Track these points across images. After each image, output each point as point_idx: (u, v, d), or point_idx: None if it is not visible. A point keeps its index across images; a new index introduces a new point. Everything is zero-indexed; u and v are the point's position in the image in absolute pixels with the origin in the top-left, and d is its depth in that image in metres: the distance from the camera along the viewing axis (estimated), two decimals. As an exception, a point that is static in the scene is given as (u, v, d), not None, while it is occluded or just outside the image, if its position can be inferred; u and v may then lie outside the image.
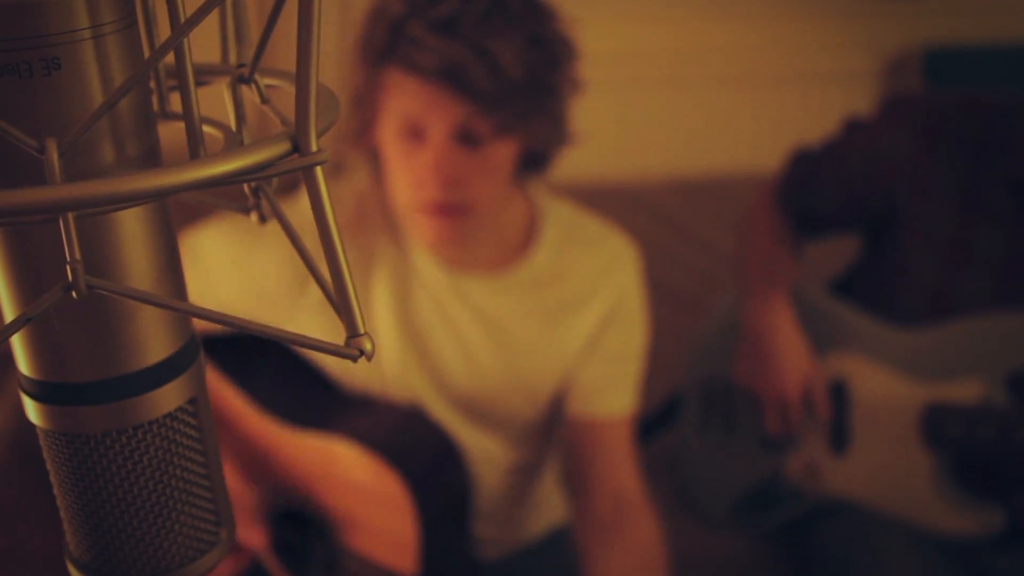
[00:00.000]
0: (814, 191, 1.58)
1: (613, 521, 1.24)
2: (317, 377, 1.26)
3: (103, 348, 0.35)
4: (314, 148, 0.31)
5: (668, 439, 1.81)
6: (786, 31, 2.96)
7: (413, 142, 1.08)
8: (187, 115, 0.32)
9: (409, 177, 1.09)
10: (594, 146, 2.96)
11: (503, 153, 1.12)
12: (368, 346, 0.32)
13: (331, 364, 1.26)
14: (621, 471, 1.27)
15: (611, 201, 2.84)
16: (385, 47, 1.06)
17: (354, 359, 0.32)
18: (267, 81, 0.37)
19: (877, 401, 1.51)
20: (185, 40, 0.31)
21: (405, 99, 1.06)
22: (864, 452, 1.53)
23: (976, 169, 1.42)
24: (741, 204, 1.77)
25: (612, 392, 1.27)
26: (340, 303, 0.32)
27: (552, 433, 1.34)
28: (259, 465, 1.23)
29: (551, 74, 1.11)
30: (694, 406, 1.68)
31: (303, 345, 0.31)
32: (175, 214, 0.38)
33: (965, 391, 1.44)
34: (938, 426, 1.46)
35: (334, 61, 2.64)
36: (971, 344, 1.45)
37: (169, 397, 0.37)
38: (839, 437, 1.54)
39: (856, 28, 2.98)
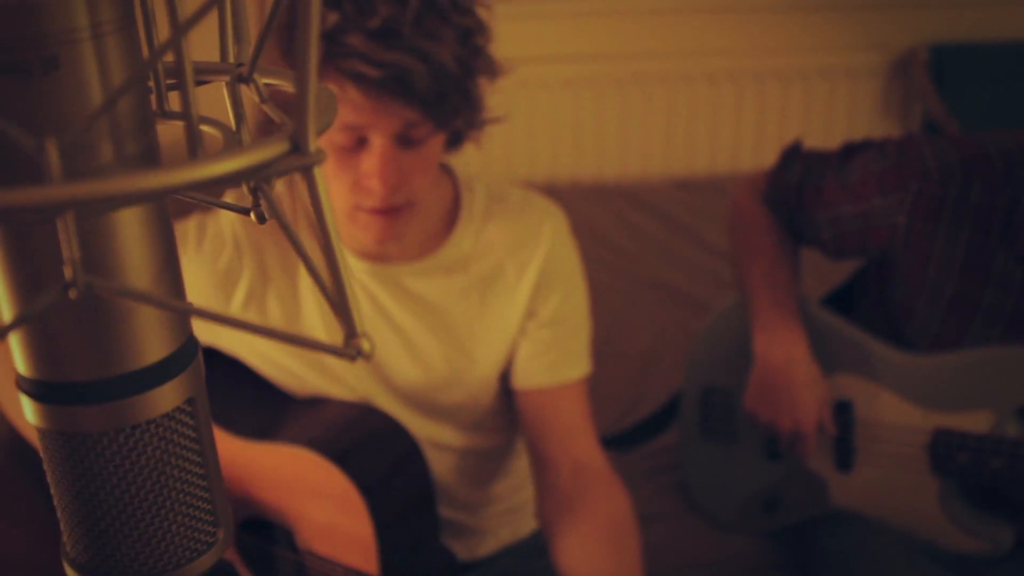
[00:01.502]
0: (804, 223, 1.55)
1: (574, 492, 1.21)
2: (264, 385, 1.27)
3: (101, 347, 0.35)
4: (313, 148, 0.30)
5: (671, 441, 1.80)
6: (790, 29, 2.96)
7: (351, 149, 1.08)
8: (186, 115, 0.32)
9: (349, 183, 1.09)
10: (595, 145, 2.98)
11: (436, 146, 1.13)
12: (366, 346, 0.32)
13: (273, 373, 1.26)
14: (578, 440, 1.24)
15: (612, 200, 2.84)
16: (322, 61, 1.06)
17: (352, 359, 0.32)
18: (266, 80, 0.37)
19: (883, 425, 1.50)
20: (184, 40, 0.31)
21: (344, 109, 1.04)
22: (870, 471, 1.53)
23: (981, 240, 1.38)
24: (731, 197, 1.72)
25: (558, 359, 1.25)
26: (338, 303, 0.32)
27: (513, 418, 1.34)
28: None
29: (477, 64, 1.11)
30: (696, 413, 1.67)
31: (302, 345, 0.31)
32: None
33: (974, 422, 1.43)
34: (947, 454, 1.45)
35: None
36: (980, 376, 1.43)
37: (167, 397, 0.36)
38: (844, 455, 1.54)
39: (861, 25, 2.97)
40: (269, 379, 1.28)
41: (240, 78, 0.36)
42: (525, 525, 1.44)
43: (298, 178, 1.22)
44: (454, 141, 1.19)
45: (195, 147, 0.32)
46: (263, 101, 0.36)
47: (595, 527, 1.19)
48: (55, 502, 0.38)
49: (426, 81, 1.03)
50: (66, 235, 0.30)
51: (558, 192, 2.86)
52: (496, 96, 3.26)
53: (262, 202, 0.40)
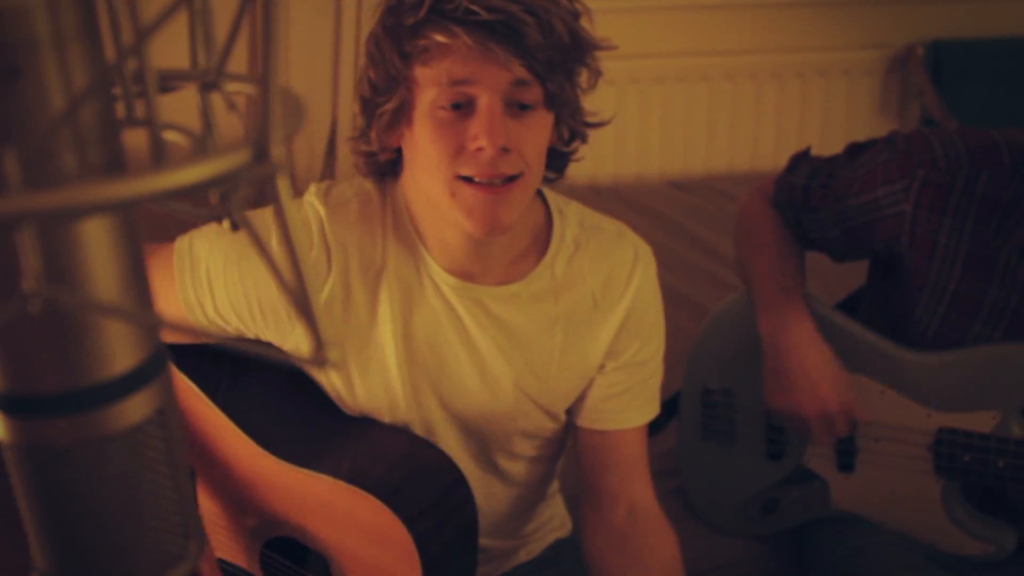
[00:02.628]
0: (811, 222, 1.54)
1: (630, 532, 1.21)
2: (314, 397, 1.22)
3: (66, 358, 0.34)
4: (276, 156, 0.30)
5: (671, 443, 1.80)
6: (787, 27, 2.95)
7: (455, 114, 1.03)
8: (149, 123, 0.32)
9: (451, 150, 1.03)
10: (591, 146, 2.96)
11: (544, 126, 1.07)
12: (335, 356, 0.31)
13: (334, 385, 1.21)
14: (636, 481, 1.23)
15: (610, 202, 2.83)
16: (427, 12, 1.02)
17: (321, 367, 0.31)
18: (235, 87, 0.36)
19: (886, 424, 1.48)
20: (146, 46, 0.30)
21: (450, 62, 1.01)
22: (871, 472, 1.51)
23: (985, 232, 1.37)
24: (739, 201, 1.73)
25: (629, 403, 1.23)
26: (304, 312, 0.31)
27: (565, 445, 1.31)
28: (253, 496, 1.22)
29: (585, 44, 1.08)
30: (695, 414, 1.66)
31: (271, 358, 0.31)
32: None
33: (978, 422, 1.42)
34: (951, 454, 1.43)
35: (331, 57, 2.64)
36: (984, 375, 1.41)
37: (136, 408, 0.36)
38: (846, 456, 1.53)
39: (859, 23, 2.97)
40: (323, 388, 1.22)
41: (207, 85, 0.36)
42: (546, 538, 1.42)
43: (376, 185, 1.17)
44: (554, 160, 1.14)
45: (159, 156, 0.32)
46: (231, 108, 0.36)
47: (648, 564, 1.19)
48: (23, 514, 0.37)
49: (537, 36, 1.00)
50: (27, 246, 0.29)
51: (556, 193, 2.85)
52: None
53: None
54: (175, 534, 0.39)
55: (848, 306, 1.65)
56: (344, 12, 2.59)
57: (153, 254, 1.16)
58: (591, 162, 2.97)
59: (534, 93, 1.04)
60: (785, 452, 1.57)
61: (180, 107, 0.48)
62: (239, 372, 1.24)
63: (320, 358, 0.32)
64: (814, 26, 2.95)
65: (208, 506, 1.27)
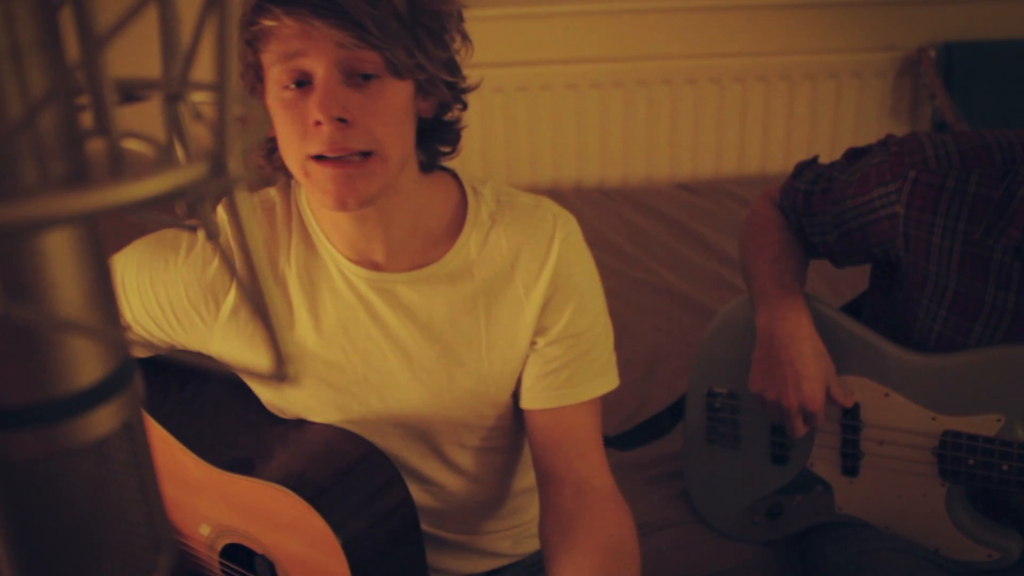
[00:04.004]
0: (812, 227, 1.54)
1: (576, 511, 1.16)
2: (249, 403, 1.24)
3: (29, 370, 0.34)
4: (233, 169, 0.29)
5: (675, 446, 1.79)
6: (797, 29, 2.94)
7: (298, 93, 1.03)
8: (106, 133, 0.31)
9: (298, 127, 1.03)
10: (599, 148, 2.96)
11: (394, 95, 1.05)
12: (292, 371, 0.31)
13: (263, 391, 1.22)
14: (585, 459, 1.19)
15: (616, 204, 2.83)
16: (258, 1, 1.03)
17: (279, 382, 0.31)
18: (199, 97, 0.36)
19: (891, 428, 1.48)
20: (101, 56, 0.30)
21: (283, 44, 1.01)
22: (876, 476, 1.50)
23: (977, 232, 1.36)
24: (749, 207, 1.74)
25: (570, 378, 1.18)
26: (264, 326, 0.31)
27: (522, 436, 1.28)
28: (202, 505, 1.23)
29: (437, 10, 1.06)
30: (700, 417, 1.66)
31: (230, 370, 0.30)
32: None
33: (983, 425, 1.41)
34: (955, 458, 1.43)
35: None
36: (989, 377, 1.41)
37: (101, 421, 0.36)
38: (850, 460, 1.52)
39: (870, 25, 2.95)
40: (259, 396, 1.24)
41: (171, 96, 0.35)
42: (527, 544, 1.40)
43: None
44: (440, 132, 1.13)
45: (116, 168, 0.31)
46: (196, 118, 0.35)
47: (593, 549, 1.14)
48: (-12, 529, 0.37)
49: (362, 5, 0.99)
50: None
51: (562, 195, 2.84)
52: (499, 98, 3.26)
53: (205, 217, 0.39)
54: (144, 547, 0.38)
55: (853, 309, 1.64)
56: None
57: None
58: (600, 164, 2.98)
59: (372, 61, 1.02)
60: (789, 456, 1.57)
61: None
62: (180, 384, 1.26)
63: (281, 373, 0.31)
64: (825, 28, 2.94)
65: (172, 521, 1.28)
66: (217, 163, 0.29)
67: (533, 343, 1.18)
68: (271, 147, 1.12)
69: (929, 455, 1.45)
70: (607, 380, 1.22)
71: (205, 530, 1.24)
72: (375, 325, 1.16)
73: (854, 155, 1.53)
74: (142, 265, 1.19)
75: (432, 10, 1.05)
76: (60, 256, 0.33)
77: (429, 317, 1.16)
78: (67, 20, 0.34)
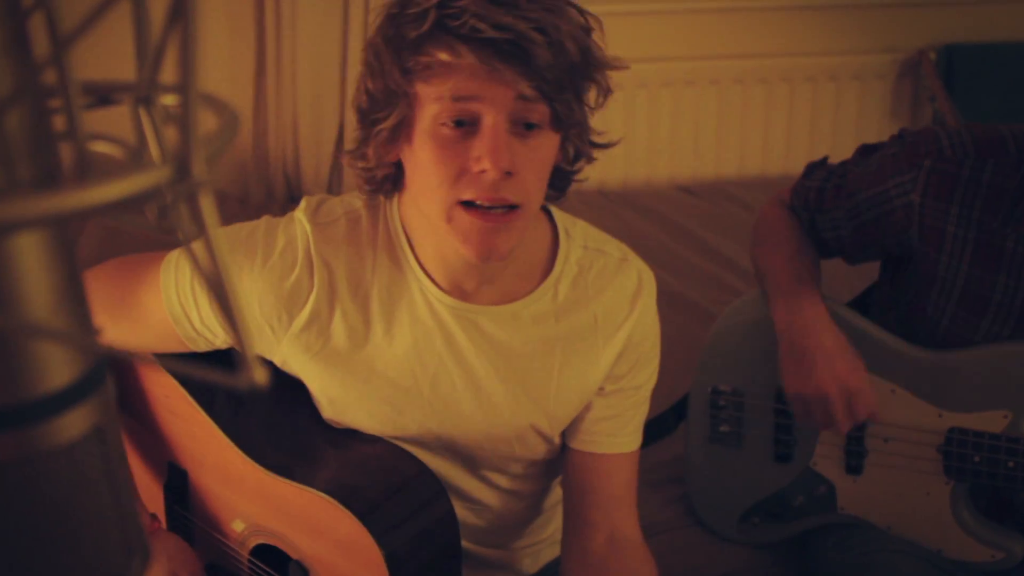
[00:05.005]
0: (825, 223, 1.55)
1: (607, 560, 1.19)
2: (309, 408, 1.22)
3: (-3, 375, 0.34)
4: (198, 173, 0.29)
5: (676, 449, 1.78)
6: (798, 31, 2.94)
7: (458, 132, 0.99)
8: (72, 136, 0.31)
9: (453, 173, 1.00)
10: (601, 150, 2.95)
11: (550, 147, 1.04)
12: (258, 376, 0.31)
13: (320, 401, 1.21)
14: (620, 510, 1.22)
15: (619, 206, 2.82)
16: (430, 27, 0.98)
17: (243, 388, 0.30)
18: (169, 100, 0.36)
19: (896, 425, 1.47)
20: (67, 58, 0.30)
21: (456, 80, 0.97)
22: (880, 475, 1.50)
23: (992, 221, 1.37)
24: (752, 209, 1.74)
25: (621, 427, 1.22)
26: (231, 330, 0.31)
27: (560, 464, 1.29)
28: (240, 502, 1.23)
29: (595, 61, 1.05)
30: (702, 417, 1.65)
31: (197, 378, 0.30)
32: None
33: (989, 422, 1.41)
34: (961, 455, 1.42)
35: (339, 59, 2.63)
36: (995, 374, 1.41)
37: (72, 425, 0.35)
38: (854, 458, 1.52)
39: (871, 27, 2.95)
40: (316, 404, 1.22)
41: (141, 98, 0.35)
42: (544, 556, 1.41)
43: (367, 204, 1.15)
44: (559, 178, 1.12)
45: (82, 172, 0.31)
46: (167, 121, 0.35)
47: None
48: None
49: (546, 55, 0.97)
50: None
51: (563, 198, 2.84)
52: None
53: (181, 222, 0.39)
54: (117, 551, 0.38)
55: (858, 306, 1.64)
56: (352, 13, 2.58)
57: (143, 267, 1.17)
58: (600, 166, 2.96)
59: (541, 112, 1.01)
60: (793, 455, 1.57)
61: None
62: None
63: (245, 378, 0.31)
64: (825, 30, 2.94)
65: (202, 510, 1.27)
66: (182, 166, 0.29)
67: (602, 388, 1.20)
68: (368, 164, 1.09)
69: (934, 452, 1.44)
70: (640, 438, 1.26)
71: (239, 526, 1.24)
72: (449, 352, 1.15)
73: (866, 151, 1.53)
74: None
75: (603, 64, 1.05)
76: (29, 260, 0.33)
77: (507, 352, 1.16)
78: (36, 24, 0.34)
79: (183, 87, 0.28)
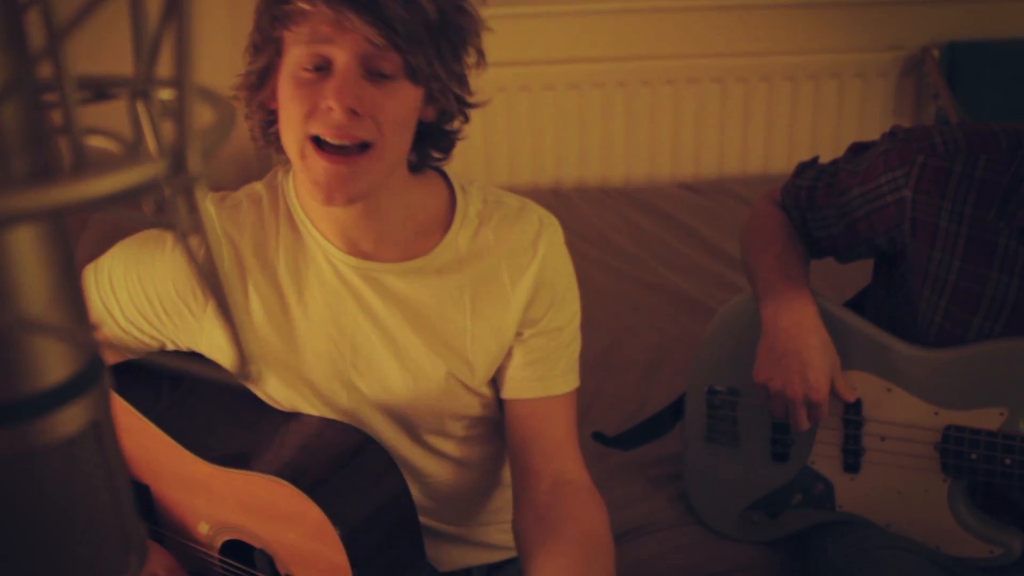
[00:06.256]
0: (816, 221, 1.55)
1: (552, 505, 1.19)
2: (243, 397, 1.24)
3: (-7, 370, 0.34)
4: (193, 167, 0.29)
5: (675, 446, 1.79)
6: (800, 28, 2.93)
7: (315, 75, 1.06)
8: (69, 130, 0.31)
9: (305, 110, 1.06)
10: (601, 148, 2.96)
11: (407, 98, 1.09)
12: (254, 370, 0.30)
13: (255, 385, 1.22)
14: (562, 453, 1.23)
15: (618, 203, 2.82)
16: None
17: (245, 380, 0.30)
18: (166, 94, 0.36)
19: (893, 423, 1.47)
20: (63, 51, 0.30)
21: (313, 27, 1.04)
22: (877, 473, 1.50)
23: (984, 216, 1.37)
24: (751, 208, 1.74)
25: (550, 370, 1.23)
26: (226, 325, 0.30)
27: (502, 426, 1.30)
28: (199, 502, 1.24)
29: (461, 26, 1.10)
30: (700, 415, 1.65)
31: (192, 373, 0.30)
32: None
33: (986, 419, 1.41)
34: (958, 452, 1.42)
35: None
36: (991, 371, 1.41)
37: (68, 421, 0.35)
38: (852, 456, 1.52)
39: (874, 24, 2.94)
40: (251, 392, 1.24)
41: (138, 92, 0.35)
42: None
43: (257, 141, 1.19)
44: (438, 137, 1.17)
45: (80, 164, 0.31)
46: (164, 116, 0.35)
47: (568, 543, 1.16)
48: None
49: (397, 8, 1.03)
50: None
51: (564, 195, 2.84)
52: (501, 97, 3.25)
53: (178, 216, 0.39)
54: (114, 548, 0.38)
55: (854, 307, 1.64)
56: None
57: None
58: (602, 163, 2.98)
59: (393, 62, 1.06)
60: (790, 454, 1.57)
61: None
62: (173, 384, 1.27)
63: (244, 372, 0.31)
64: (828, 28, 2.93)
65: (170, 520, 1.28)
66: (177, 160, 0.29)
67: (519, 334, 1.22)
68: (270, 119, 1.14)
69: (931, 450, 1.45)
70: (576, 379, 1.28)
71: (204, 528, 1.25)
72: (363, 313, 1.19)
73: (858, 149, 1.54)
74: (129, 263, 1.20)
75: (459, 25, 1.09)
76: (25, 254, 0.33)
77: (417, 306, 1.20)
78: (32, 17, 0.34)
79: (179, 81, 0.28)
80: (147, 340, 1.20)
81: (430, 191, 1.21)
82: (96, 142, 0.34)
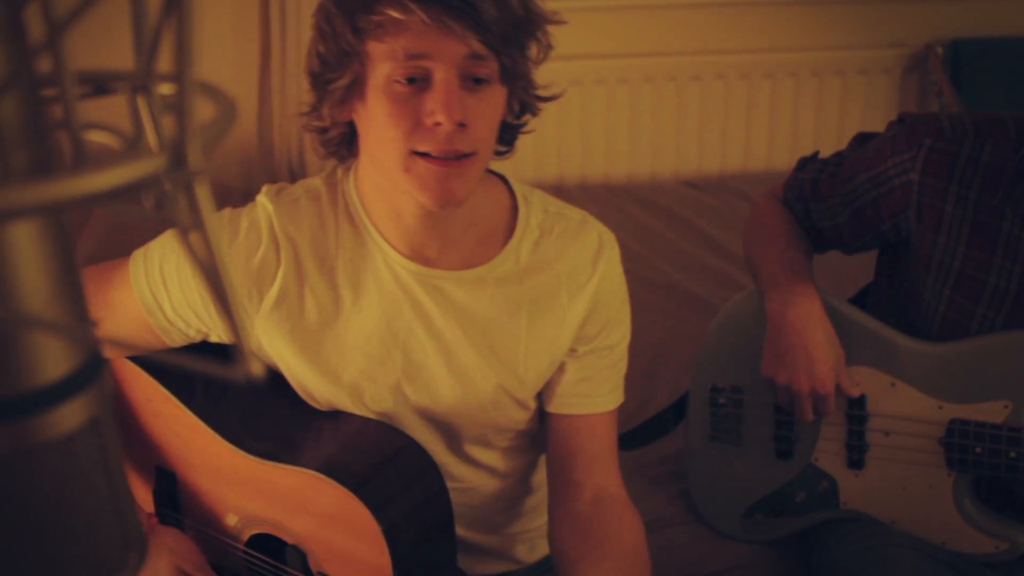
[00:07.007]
0: (820, 212, 1.55)
1: (593, 518, 1.19)
2: (285, 394, 1.23)
3: (-8, 367, 0.34)
4: (193, 162, 0.29)
5: (678, 444, 1.78)
6: (804, 25, 2.93)
7: (411, 88, 1.03)
8: (68, 125, 0.31)
9: (407, 127, 1.03)
10: (605, 144, 2.95)
11: (498, 100, 1.08)
12: (255, 369, 0.30)
13: (299, 381, 1.21)
14: (602, 469, 1.23)
15: (621, 200, 2.82)
16: None
17: (241, 379, 0.30)
18: (166, 89, 0.35)
19: (897, 417, 1.47)
20: (62, 45, 0.30)
21: (407, 37, 1.01)
22: (882, 468, 1.50)
23: (990, 200, 1.38)
24: (753, 204, 1.74)
25: (597, 387, 1.24)
26: (227, 322, 0.30)
27: (541, 439, 1.30)
28: (231, 494, 1.23)
29: (538, 19, 1.09)
30: (703, 414, 1.65)
31: (193, 367, 0.30)
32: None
33: (990, 412, 1.41)
34: (962, 446, 1.42)
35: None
36: (995, 364, 1.41)
37: (67, 417, 0.35)
38: (856, 452, 1.52)
39: (877, 21, 2.94)
40: (292, 385, 1.23)
41: (138, 87, 0.35)
42: (539, 549, 1.40)
43: (340, 175, 1.18)
44: (505, 134, 1.15)
45: (78, 161, 0.31)
46: (163, 111, 0.35)
47: (616, 555, 1.17)
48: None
49: (492, 10, 1.01)
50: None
51: (566, 192, 2.84)
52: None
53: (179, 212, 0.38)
54: (114, 545, 0.38)
55: (855, 304, 1.64)
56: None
57: (113, 268, 1.19)
58: (605, 160, 2.97)
59: (489, 67, 1.04)
60: (794, 451, 1.56)
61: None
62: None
63: (243, 370, 0.31)
64: (832, 25, 2.93)
65: (194, 509, 1.27)
66: (178, 155, 0.29)
67: (573, 350, 1.22)
68: (323, 124, 1.11)
69: (936, 444, 1.44)
70: (621, 394, 1.28)
71: (232, 519, 1.24)
72: (418, 319, 1.18)
73: (863, 139, 1.54)
74: (182, 256, 1.15)
75: (536, 17, 1.08)
76: (24, 249, 0.33)
77: (473, 316, 1.18)
78: (31, 12, 0.34)
79: (179, 75, 0.28)
80: (192, 333, 1.17)
81: (493, 198, 1.20)
82: (96, 137, 0.34)
